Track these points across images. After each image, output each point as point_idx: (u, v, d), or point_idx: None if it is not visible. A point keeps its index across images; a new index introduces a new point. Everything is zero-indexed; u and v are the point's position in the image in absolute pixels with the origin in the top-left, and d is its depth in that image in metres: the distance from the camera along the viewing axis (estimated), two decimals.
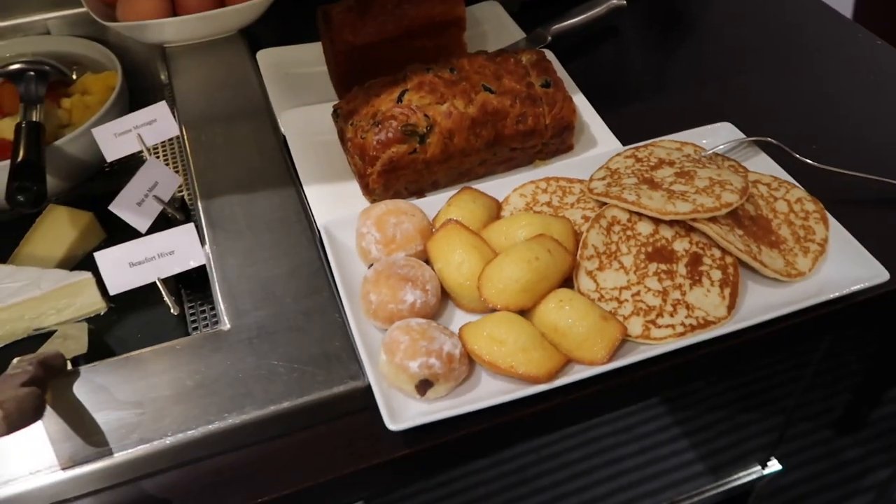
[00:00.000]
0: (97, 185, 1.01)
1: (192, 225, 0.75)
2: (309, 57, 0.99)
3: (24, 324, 0.84)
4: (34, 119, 0.93)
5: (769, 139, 0.80)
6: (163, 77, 1.06)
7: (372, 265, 0.70)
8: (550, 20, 1.01)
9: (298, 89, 0.95)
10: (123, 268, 0.73)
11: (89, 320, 0.85)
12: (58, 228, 0.92)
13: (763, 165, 0.80)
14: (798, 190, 0.76)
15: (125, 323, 0.85)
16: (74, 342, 0.84)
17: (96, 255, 0.72)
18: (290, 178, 0.82)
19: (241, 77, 0.98)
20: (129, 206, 0.80)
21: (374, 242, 0.71)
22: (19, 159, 0.87)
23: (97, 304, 0.85)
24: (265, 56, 0.99)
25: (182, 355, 0.65)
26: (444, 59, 0.88)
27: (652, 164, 0.77)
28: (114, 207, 0.80)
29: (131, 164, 0.93)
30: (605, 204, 0.73)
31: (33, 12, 1.11)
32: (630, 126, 0.87)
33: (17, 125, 0.91)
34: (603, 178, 0.77)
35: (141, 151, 0.92)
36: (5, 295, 0.82)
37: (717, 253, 0.70)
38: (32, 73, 1.00)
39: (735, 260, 0.69)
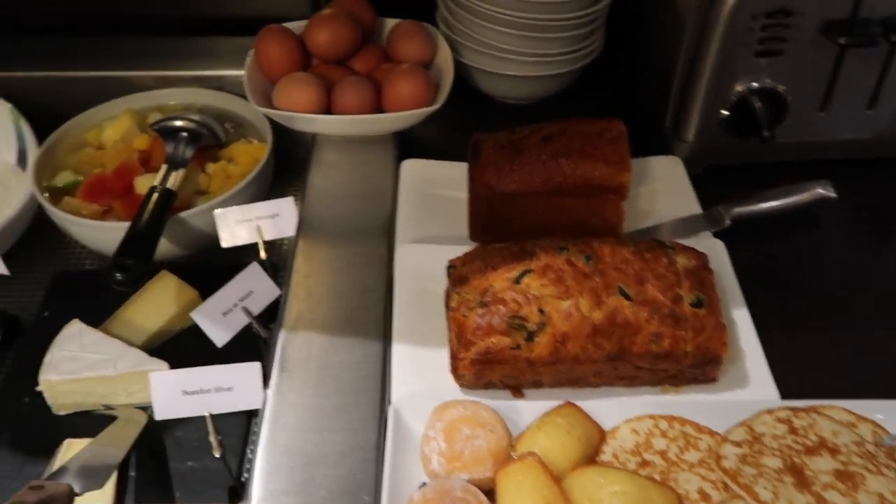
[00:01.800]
0: (216, 253, 0.97)
1: (258, 365, 0.69)
2: (457, 178, 0.90)
3: (94, 398, 0.82)
4: (169, 185, 0.91)
5: None
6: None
7: (424, 484, 0.59)
8: (735, 200, 0.85)
9: (433, 216, 0.87)
10: (176, 394, 0.68)
11: None
12: (162, 299, 0.89)
13: None
14: None
15: (186, 423, 0.79)
16: (136, 428, 0.80)
17: (151, 375, 0.68)
18: (382, 329, 0.74)
19: (379, 188, 0.91)
20: (212, 316, 0.76)
21: (438, 453, 0.60)
22: (136, 229, 0.85)
23: None
24: (410, 168, 0.92)
25: None
26: (596, 229, 0.76)
27: (808, 445, 0.60)
28: (196, 314, 0.75)
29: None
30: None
31: (212, 67, 1.12)
32: (799, 366, 0.70)
33: (150, 189, 0.90)
34: (740, 444, 0.61)
35: (256, 244, 0.88)
36: (83, 366, 0.81)
37: None
38: (185, 133, 0.99)
39: None
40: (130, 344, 0.84)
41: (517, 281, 0.67)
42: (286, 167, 1.07)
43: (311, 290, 0.78)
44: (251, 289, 0.79)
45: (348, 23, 0.96)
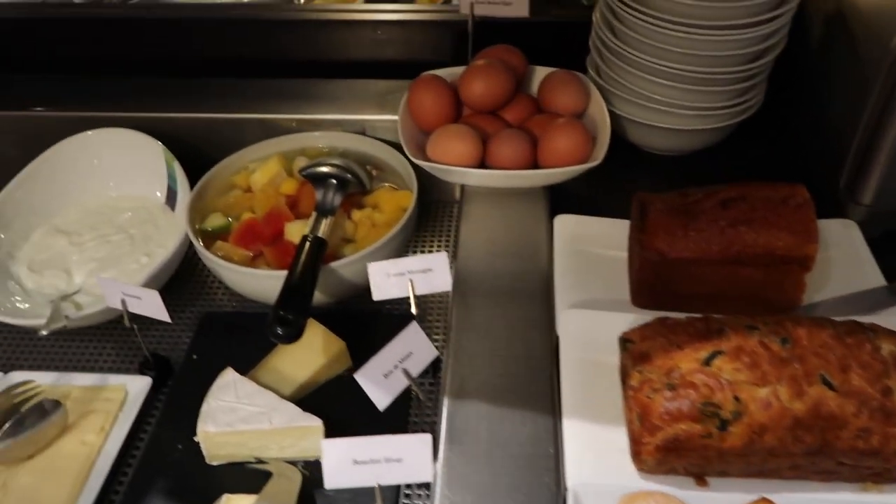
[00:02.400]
0: (362, 300, 0.95)
1: (428, 438, 0.67)
2: (614, 236, 0.86)
3: (246, 450, 0.82)
4: (320, 233, 0.91)
5: None
6: (454, 212, 1.01)
7: None
8: None
9: (591, 276, 0.83)
10: (346, 463, 0.67)
11: (307, 463, 0.81)
12: (309, 350, 0.89)
13: None
14: None
15: None
16: (295, 485, 0.80)
17: (322, 443, 0.67)
18: (550, 401, 0.71)
19: (532, 242, 0.88)
20: (374, 377, 0.74)
21: None
22: (292, 280, 0.85)
23: (319, 452, 0.79)
24: (563, 224, 0.89)
25: None
26: (772, 302, 0.71)
27: None
28: (359, 377, 0.74)
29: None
30: None
31: (355, 111, 1.12)
32: None
33: (302, 238, 0.90)
34: None
35: (408, 298, 0.87)
36: (238, 418, 0.81)
37: None
38: (335, 180, 0.99)
39: None
40: (279, 394, 0.84)
41: (707, 363, 0.63)
42: (427, 210, 1.07)
43: (473, 355, 0.76)
44: (410, 350, 0.77)
45: (503, 73, 0.94)
